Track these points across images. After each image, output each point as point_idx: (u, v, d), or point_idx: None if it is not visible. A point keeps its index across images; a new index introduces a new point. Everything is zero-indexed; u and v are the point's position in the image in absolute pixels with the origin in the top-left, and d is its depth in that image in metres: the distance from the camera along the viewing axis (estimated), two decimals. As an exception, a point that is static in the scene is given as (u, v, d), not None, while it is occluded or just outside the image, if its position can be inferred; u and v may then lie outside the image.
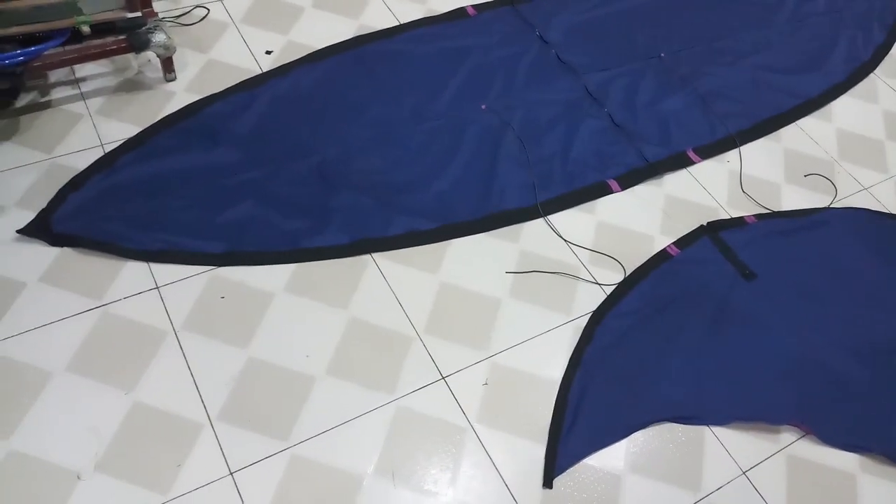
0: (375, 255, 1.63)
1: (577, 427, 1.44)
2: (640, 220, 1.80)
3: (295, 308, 1.52)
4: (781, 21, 2.39)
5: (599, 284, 1.66)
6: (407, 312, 1.55)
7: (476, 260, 1.66)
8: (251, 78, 1.92)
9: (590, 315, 1.60)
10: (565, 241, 1.72)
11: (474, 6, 2.22)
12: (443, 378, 1.47)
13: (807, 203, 1.90)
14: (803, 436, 1.50)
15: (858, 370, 1.59)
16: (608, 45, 2.20)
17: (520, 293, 1.62)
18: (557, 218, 1.77)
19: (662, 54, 2.19)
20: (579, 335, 1.57)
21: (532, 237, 1.72)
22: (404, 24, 2.13)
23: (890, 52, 2.38)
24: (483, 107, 1.96)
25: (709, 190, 1.89)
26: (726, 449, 1.46)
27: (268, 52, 1.99)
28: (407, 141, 1.86)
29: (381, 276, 1.59)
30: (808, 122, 2.12)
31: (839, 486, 1.45)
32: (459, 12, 2.20)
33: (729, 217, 1.83)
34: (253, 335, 1.47)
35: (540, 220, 1.76)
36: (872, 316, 1.70)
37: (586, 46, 2.18)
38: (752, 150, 2.01)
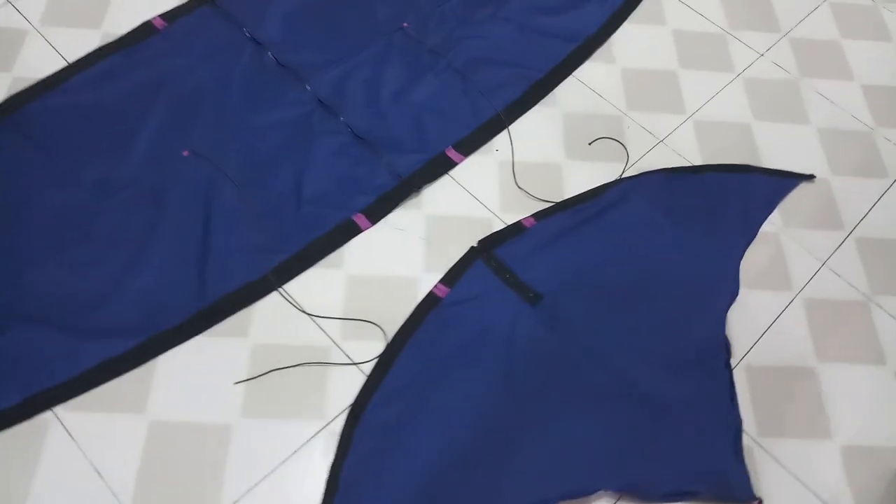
0: (58, 408, 1.25)
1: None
2: (399, 259, 1.47)
3: (-48, 524, 1.14)
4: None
5: (356, 364, 1.33)
6: (108, 482, 1.19)
7: (194, 377, 1.30)
8: None
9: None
10: (309, 315, 1.38)
11: (163, 15, 1.76)
12: (161, 567, 1.13)
13: (596, 179, 1.60)
14: (616, 501, 1.24)
15: (674, 388, 1.34)
16: (339, 28, 1.80)
17: (256, 408, 1.28)
18: (297, 285, 1.42)
19: (406, 24, 1.80)
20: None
21: (266, 322, 1.37)
22: (75, 63, 1.67)
23: (670, -44, 2.05)
24: (185, 153, 1.55)
25: (477, 196, 1.56)
26: (530, 548, 1.19)
27: None
28: (92, 230, 1.45)
29: (68, 438, 1.22)
30: (588, 71, 1.79)
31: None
32: (145, 28, 1.75)
33: (504, 226, 1.51)
34: None
35: (274, 295, 1.40)
36: (689, 309, 1.44)
37: (312, 37, 1.77)
38: (524, 126, 1.68)
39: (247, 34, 1.74)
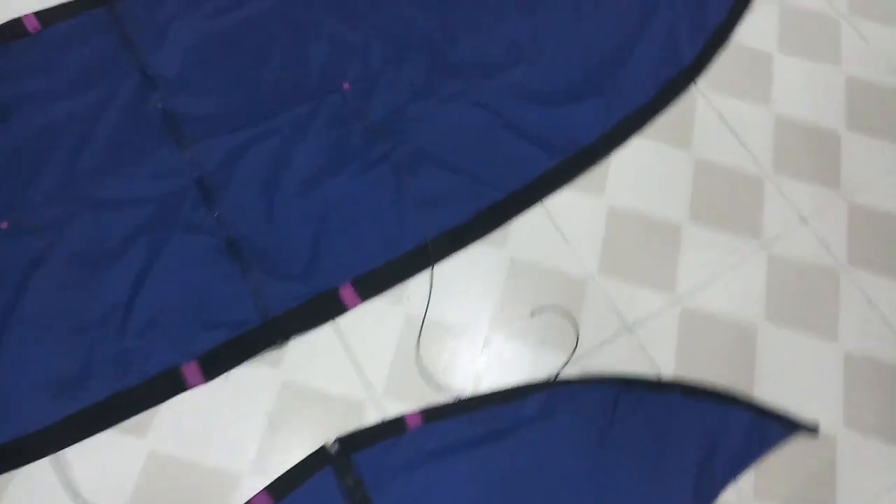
0: None
1: None
2: (224, 441, 1.11)
3: None
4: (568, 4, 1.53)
5: None
6: None
7: None
8: None
9: None
10: None
11: (39, 14, 1.36)
12: None
13: (524, 370, 1.20)
14: None
15: None
16: (258, 78, 1.38)
17: None
18: (80, 452, 1.08)
19: (346, 85, 1.37)
20: None
21: None
22: None
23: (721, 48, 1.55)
24: (3, 224, 1.19)
25: (360, 364, 1.18)
26: None
27: None
28: None
29: None
30: (563, 201, 1.35)
31: None
32: (13, 29, 1.35)
33: (380, 422, 1.14)
34: None
35: (46, 465, 1.06)
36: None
37: (218, 84, 1.36)
38: (454, 267, 1.27)
39: (136, 59, 1.34)
